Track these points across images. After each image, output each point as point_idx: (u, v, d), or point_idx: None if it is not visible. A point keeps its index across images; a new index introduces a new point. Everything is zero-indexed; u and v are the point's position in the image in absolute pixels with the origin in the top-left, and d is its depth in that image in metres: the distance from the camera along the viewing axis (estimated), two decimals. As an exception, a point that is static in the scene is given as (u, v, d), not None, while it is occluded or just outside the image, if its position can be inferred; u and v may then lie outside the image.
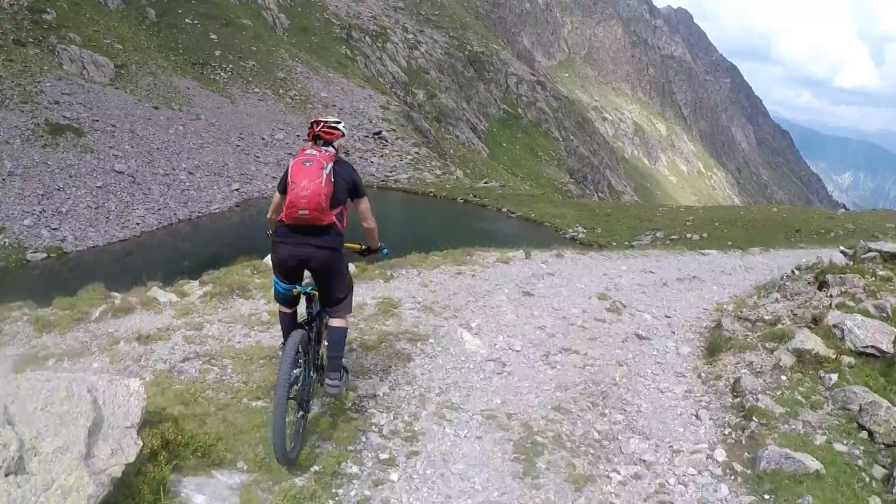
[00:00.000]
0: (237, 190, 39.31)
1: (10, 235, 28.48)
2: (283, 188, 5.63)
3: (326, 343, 6.07)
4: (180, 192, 36.17)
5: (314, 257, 5.59)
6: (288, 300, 6.00)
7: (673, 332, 9.75)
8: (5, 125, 33.43)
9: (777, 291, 10.42)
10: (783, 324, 8.07)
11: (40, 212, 30.17)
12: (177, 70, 48.86)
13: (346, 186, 5.75)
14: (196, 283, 10.45)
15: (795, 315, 8.16)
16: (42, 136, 34.07)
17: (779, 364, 6.92)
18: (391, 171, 50.55)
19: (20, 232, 28.87)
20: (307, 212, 5.34)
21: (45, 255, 28.37)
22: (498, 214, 41.58)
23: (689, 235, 34.13)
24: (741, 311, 9.46)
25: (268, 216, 6.07)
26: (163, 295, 9.50)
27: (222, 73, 52.00)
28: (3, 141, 32.56)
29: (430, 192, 45.80)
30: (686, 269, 15.59)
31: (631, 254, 17.16)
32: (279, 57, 58.38)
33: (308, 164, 5.45)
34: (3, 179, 30.75)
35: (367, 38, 76.69)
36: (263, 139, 46.44)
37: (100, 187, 33.00)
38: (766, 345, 7.59)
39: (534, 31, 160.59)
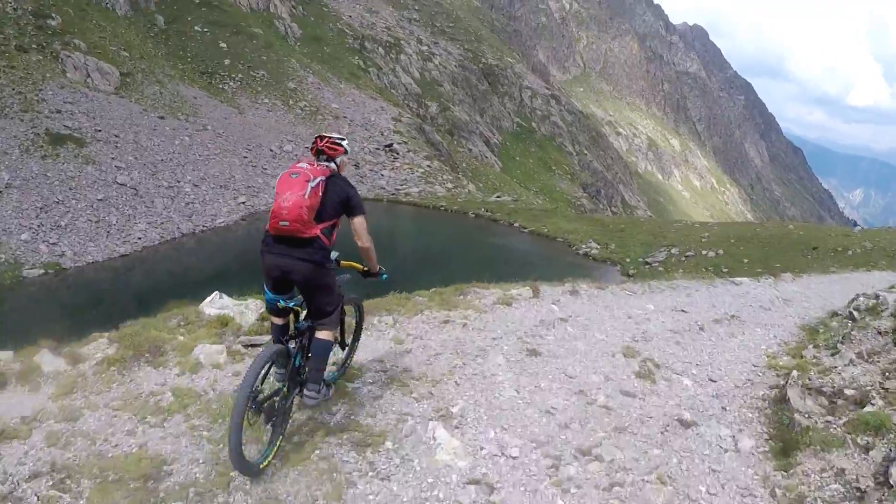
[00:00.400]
0: (243, 203, 38.20)
1: (6, 251, 27.29)
2: None
3: (309, 355, 6.03)
4: (184, 205, 35.07)
5: (295, 269, 5.65)
6: (275, 311, 6.03)
7: (724, 409, 7.50)
8: (4, 135, 32.35)
9: (843, 343, 8.34)
10: (873, 403, 6.06)
11: (38, 226, 29.02)
12: (184, 79, 47.94)
13: (339, 202, 5.78)
14: (105, 338, 7.98)
15: (886, 390, 6.27)
16: (42, 146, 33.00)
17: (886, 479, 4.96)
18: (402, 185, 49.46)
19: (17, 247, 27.70)
20: (288, 223, 5.46)
21: (42, 271, 27.19)
22: (510, 229, 40.60)
23: (704, 252, 33.27)
24: (809, 379, 7.18)
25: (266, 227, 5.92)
26: (50, 361, 7.27)
27: (231, 83, 51.08)
28: (2, 151, 31.48)
29: (442, 206, 44.64)
30: (721, 304, 13.26)
31: (657, 286, 14.52)
32: (290, 67, 57.50)
33: (294, 176, 5.58)
34: (1, 192, 29.66)
35: (380, 49, 75.75)
36: (272, 151, 45.38)
37: (101, 200, 31.88)
38: (858, 439, 5.58)
39: (549, 45, 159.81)
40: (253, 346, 7.85)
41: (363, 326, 7.88)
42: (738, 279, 16.50)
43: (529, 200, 62.77)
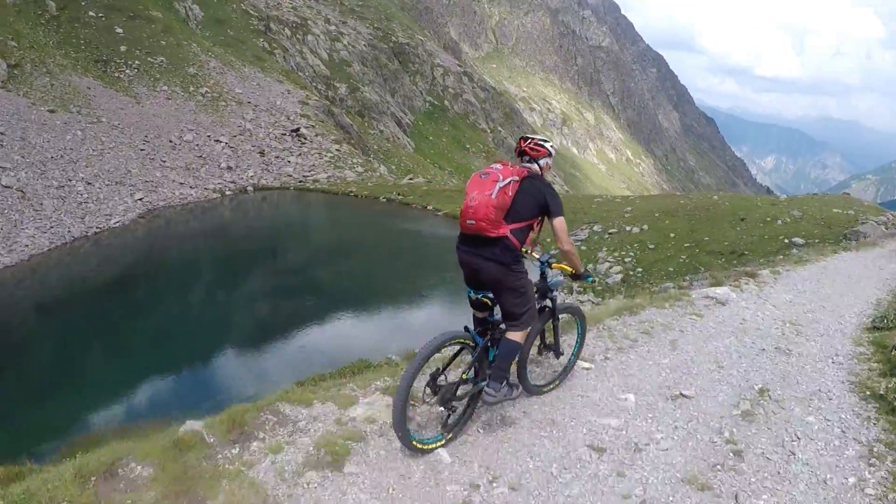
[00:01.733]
0: (141, 199, 36.78)
1: None
2: None
3: (496, 352, 6.06)
4: (76, 205, 33.50)
5: (482, 268, 5.77)
6: (472, 303, 6.16)
7: None
8: None
9: None
10: None
11: (-87, 237, 27.31)
12: (77, 68, 45.94)
13: (535, 203, 5.85)
14: None
15: None
16: (-83, 149, 31.23)
17: None
18: (310, 171, 48.62)
19: None
20: (474, 222, 5.62)
21: None
22: (424, 213, 39.67)
23: (628, 228, 32.38)
24: None
25: None
26: None
27: (128, 71, 49.19)
28: None
29: (351, 192, 43.92)
30: (727, 357, 9.04)
31: (624, 333, 9.67)
32: (190, 51, 55.62)
33: (484, 176, 5.77)
34: None
35: (286, 30, 74.21)
36: (171, 141, 43.98)
37: (-17, 206, 30.21)
38: None
39: (461, 22, 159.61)
40: None
41: (585, 337, 7.75)
42: (717, 291, 12.28)
43: (444, 181, 62.28)
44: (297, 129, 53.34)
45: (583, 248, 30.80)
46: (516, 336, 6.01)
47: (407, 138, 79.63)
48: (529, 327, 6.17)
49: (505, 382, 6.04)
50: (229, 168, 44.79)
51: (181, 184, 40.32)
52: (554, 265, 6.61)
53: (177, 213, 37.94)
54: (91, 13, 52.60)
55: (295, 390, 7.31)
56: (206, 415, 6.22)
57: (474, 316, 6.29)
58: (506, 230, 5.66)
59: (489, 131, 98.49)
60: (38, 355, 20.81)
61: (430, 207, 40.26)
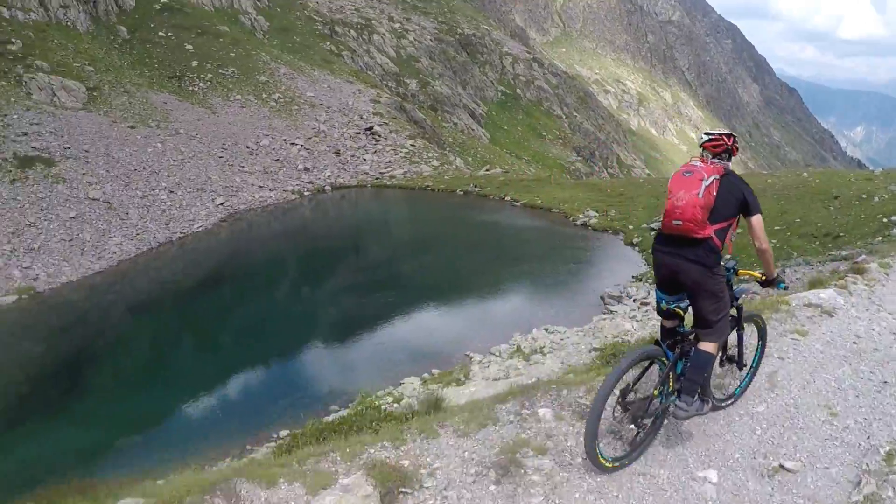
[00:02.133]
0: (222, 204, 37.62)
1: (-23, 280, 26.71)
2: None
3: (688, 364, 5.68)
4: (160, 212, 34.46)
5: (683, 270, 5.47)
6: (662, 313, 5.90)
7: None
8: (-30, 164, 31.80)
9: None
10: None
11: (11, 251, 28.34)
12: (153, 86, 47.11)
13: (736, 201, 5.56)
14: None
15: None
16: (10, 170, 32.34)
17: None
18: (386, 168, 48.75)
19: (-11, 275, 27.08)
20: (681, 223, 5.35)
21: (16, 297, 26.30)
22: (501, 204, 39.35)
23: None
24: None
25: None
26: None
27: (201, 84, 50.17)
28: (-31, 181, 30.93)
29: (428, 186, 43.80)
30: (841, 399, 6.77)
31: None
32: (260, 60, 56.51)
33: (688, 174, 5.48)
34: (-30, 221, 29.12)
35: (351, 31, 74.76)
36: (248, 147, 44.68)
37: (73, 217, 31.24)
38: None
39: (525, 8, 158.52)
40: None
41: (765, 350, 7.07)
42: (821, 296, 9.74)
43: (521, 170, 61.78)
44: (371, 128, 53.52)
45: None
46: (709, 346, 5.62)
47: (481, 129, 79.23)
48: (723, 336, 5.82)
49: (697, 396, 5.67)
50: (306, 169, 45.25)
51: (260, 187, 40.93)
52: (741, 272, 6.20)
53: (258, 215, 38.56)
54: (161, 33, 53.97)
55: (262, 461, 6.00)
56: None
57: (662, 327, 6.03)
58: (710, 231, 5.39)
59: (564, 117, 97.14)
60: (114, 360, 21.55)
61: (507, 198, 39.82)
